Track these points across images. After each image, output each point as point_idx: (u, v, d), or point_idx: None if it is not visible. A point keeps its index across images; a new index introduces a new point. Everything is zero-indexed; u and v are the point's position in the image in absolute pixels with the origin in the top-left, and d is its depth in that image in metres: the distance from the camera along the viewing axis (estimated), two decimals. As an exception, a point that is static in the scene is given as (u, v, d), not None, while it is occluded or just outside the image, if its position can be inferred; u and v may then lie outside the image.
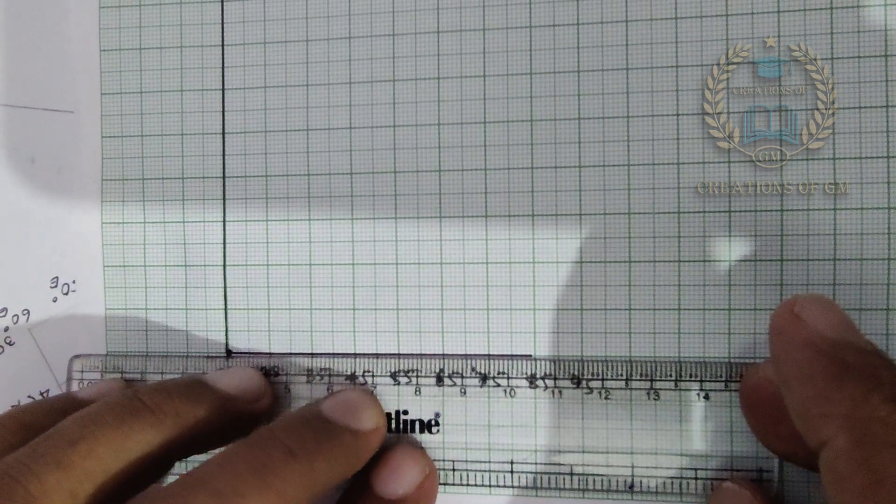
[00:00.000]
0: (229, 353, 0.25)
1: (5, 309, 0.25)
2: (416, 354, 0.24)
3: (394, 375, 0.24)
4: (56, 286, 0.26)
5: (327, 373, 0.25)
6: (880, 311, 0.22)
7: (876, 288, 0.22)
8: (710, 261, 0.23)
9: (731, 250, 0.23)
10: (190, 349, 0.25)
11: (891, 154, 0.22)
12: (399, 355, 0.24)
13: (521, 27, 0.24)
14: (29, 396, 0.26)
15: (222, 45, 0.25)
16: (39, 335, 0.26)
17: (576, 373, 0.23)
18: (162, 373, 0.25)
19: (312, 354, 0.25)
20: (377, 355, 0.25)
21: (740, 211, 0.23)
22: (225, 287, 0.25)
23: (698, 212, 0.23)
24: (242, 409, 0.23)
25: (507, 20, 0.24)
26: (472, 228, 0.24)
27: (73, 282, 0.26)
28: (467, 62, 0.24)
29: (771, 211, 0.23)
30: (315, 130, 0.25)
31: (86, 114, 0.26)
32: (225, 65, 0.25)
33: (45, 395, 0.26)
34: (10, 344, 0.25)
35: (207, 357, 0.25)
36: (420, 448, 0.24)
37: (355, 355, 0.25)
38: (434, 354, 0.24)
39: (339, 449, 0.21)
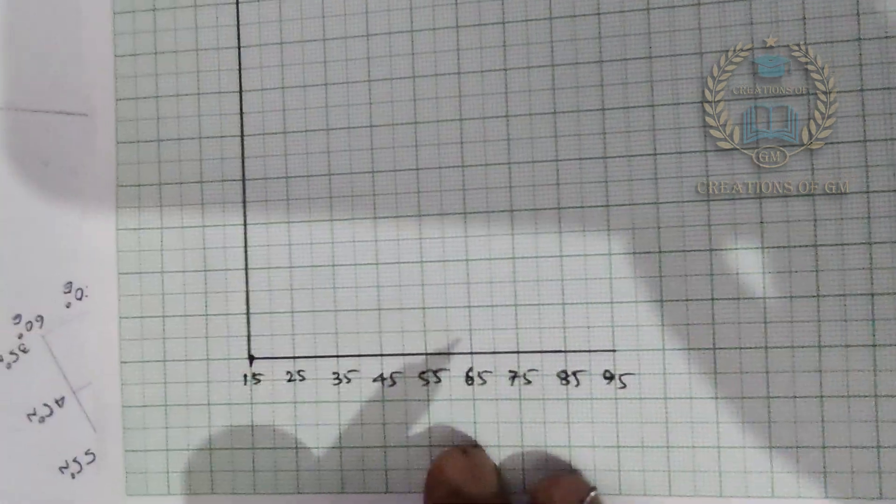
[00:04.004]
0: (251, 358, 0.25)
1: (19, 316, 0.25)
2: (445, 353, 0.24)
3: (422, 375, 0.24)
4: (70, 291, 0.25)
5: (356, 375, 0.24)
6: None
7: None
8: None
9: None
10: (210, 355, 0.25)
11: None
12: (427, 354, 0.24)
13: (542, 19, 0.24)
14: (45, 405, 0.25)
15: (238, 47, 0.25)
16: (53, 342, 0.25)
17: (609, 368, 0.23)
18: (186, 382, 0.24)
19: (338, 356, 0.24)
20: (404, 355, 0.24)
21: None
22: (247, 291, 0.25)
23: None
24: None
25: (526, 13, 0.24)
26: (497, 224, 0.24)
27: (87, 287, 0.25)
28: (487, 56, 0.24)
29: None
30: (335, 130, 0.25)
31: (100, 119, 0.25)
32: (242, 66, 0.25)
33: (59, 402, 0.25)
34: (24, 351, 0.25)
35: (228, 360, 0.25)
36: None
37: (382, 356, 0.24)
38: (462, 353, 0.24)
39: None
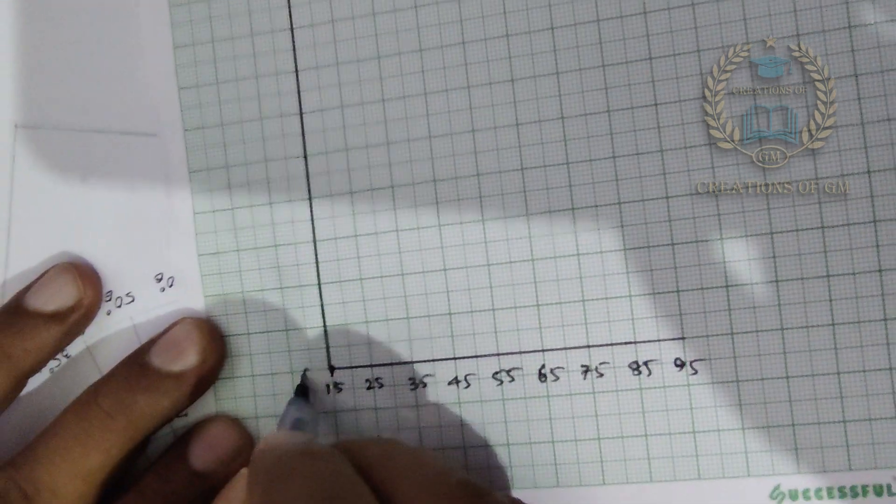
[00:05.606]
0: (332, 368, 0.26)
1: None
2: (517, 352, 0.25)
3: (495, 375, 0.25)
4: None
5: (431, 379, 0.25)
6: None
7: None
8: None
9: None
10: (294, 368, 0.26)
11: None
12: (499, 354, 0.25)
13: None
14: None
15: (296, 71, 0.26)
16: (96, 349, 0.27)
17: (680, 356, 0.24)
18: (274, 394, 0.26)
19: (413, 362, 0.25)
20: (476, 357, 0.25)
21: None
22: (322, 305, 0.26)
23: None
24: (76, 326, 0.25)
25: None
26: (560, 222, 0.24)
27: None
28: (539, 62, 0.24)
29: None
30: (395, 143, 0.25)
31: (172, 148, 0.27)
32: (301, 89, 0.26)
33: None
34: (66, 357, 0.27)
35: (310, 371, 0.26)
36: (238, 423, 0.25)
37: (455, 359, 0.25)
38: (534, 350, 0.25)
39: (161, 397, 0.24)
